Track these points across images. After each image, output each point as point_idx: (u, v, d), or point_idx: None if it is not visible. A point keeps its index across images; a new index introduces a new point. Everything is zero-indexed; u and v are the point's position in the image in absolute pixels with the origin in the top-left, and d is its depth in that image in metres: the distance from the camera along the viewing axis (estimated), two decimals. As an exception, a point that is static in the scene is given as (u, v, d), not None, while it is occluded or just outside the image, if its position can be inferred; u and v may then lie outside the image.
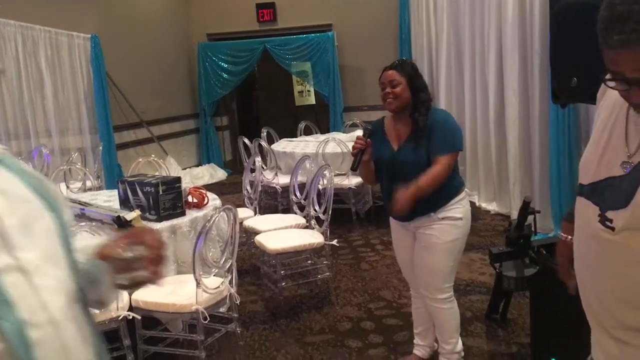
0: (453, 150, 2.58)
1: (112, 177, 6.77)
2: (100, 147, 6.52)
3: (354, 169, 2.65)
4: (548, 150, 4.85)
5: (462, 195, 2.68)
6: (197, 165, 9.25)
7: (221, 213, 2.97)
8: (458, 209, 2.63)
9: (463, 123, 6.60)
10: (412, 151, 2.59)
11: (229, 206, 3.02)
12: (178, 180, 3.35)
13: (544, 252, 2.78)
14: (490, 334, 3.41)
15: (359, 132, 3.22)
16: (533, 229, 3.01)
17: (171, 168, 7.55)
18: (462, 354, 2.91)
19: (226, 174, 9.11)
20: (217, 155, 9.44)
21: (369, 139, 2.62)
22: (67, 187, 5.28)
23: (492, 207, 6.15)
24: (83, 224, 2.81)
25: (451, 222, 2.62)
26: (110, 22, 7.45)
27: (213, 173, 8.98)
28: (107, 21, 7.38)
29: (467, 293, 3.99)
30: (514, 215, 5.30)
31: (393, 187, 2.56)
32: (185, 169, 8.78)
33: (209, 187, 7.63)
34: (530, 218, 2.98)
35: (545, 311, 2.81)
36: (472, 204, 6.37)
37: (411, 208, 2.43)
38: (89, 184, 5.28)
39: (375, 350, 3.27)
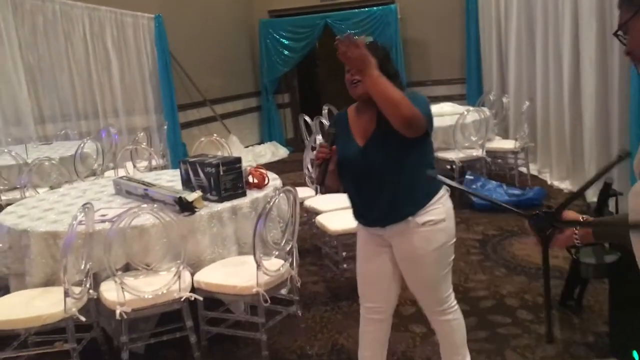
0: (425, 113, 2.14)
1: (177, 155, 6.88)
2: (165, 126, 6.63)
3: (320, 182, 2.28)
4: (628, 126, 4.51)
5: (442, 192, 2.31)
6: (259, 143, 9.29)
7: (281, 194, 2.92)
8: (439, 209, 2.28)
9: (534, 96, 6.28)
10: (380, 147, 2.22)
11: (289, 188, 2.95)
12: (238, 160, 3.31)
13: (627, 237, 2.58)
14: (565, 321, 3.22)
15: None
16: (615, 212, 2.80)
17: (234, 146, 7.61)
18: None
19: (288, 152, 9.10)
20: (278, 133, 9.44)
21: (333, 146, 2.25)
22: (134, 166, 5.39)
23: (565, 185, 5.84)
24: (145, 205, 2.83)
25: (433, 227, 2.26)
26: (173, 1, 7.51)
27: (275, 151, 9.00)
28: (169, 1, 7.44)
29: (539, 278, 3.79)
30: (589, 196, 4.99)
31: (360, 191, 2.31)
32: (247, 147, 8.84)
33: (271, 165, 7.66)
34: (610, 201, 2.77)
35: (626, 301, 2.61)
36: (544, 182, 6.12)
37: (360, 60, 2.11)
38: (154, 163, 5.37)
39: (440, 336, 3.16)
